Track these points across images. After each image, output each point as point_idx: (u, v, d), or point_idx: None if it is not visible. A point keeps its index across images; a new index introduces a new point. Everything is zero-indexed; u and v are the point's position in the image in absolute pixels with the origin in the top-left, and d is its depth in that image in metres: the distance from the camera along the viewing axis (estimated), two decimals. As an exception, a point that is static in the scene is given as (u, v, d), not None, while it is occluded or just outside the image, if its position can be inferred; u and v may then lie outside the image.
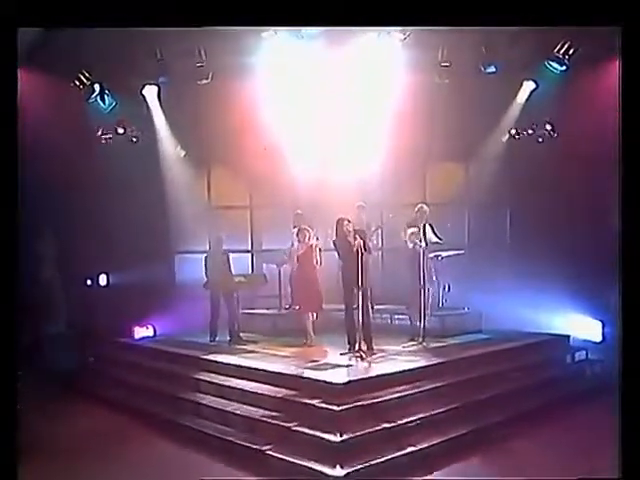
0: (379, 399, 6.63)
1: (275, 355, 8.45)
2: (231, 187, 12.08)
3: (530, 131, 10.80)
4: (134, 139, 10.71)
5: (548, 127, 10.58)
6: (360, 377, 7.04)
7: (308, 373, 7.22)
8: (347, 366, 7.57)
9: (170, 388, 8.12)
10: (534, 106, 10.65)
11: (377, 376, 7.15)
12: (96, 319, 10.71)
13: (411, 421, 6.45)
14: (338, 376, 6.95)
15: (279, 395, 6.91)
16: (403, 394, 6.86)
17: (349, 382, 6.74)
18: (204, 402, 7.46)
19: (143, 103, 10.71)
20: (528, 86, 10.67)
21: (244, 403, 7.11)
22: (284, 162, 11.16)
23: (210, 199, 12.06)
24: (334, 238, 8.28)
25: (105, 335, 10.44)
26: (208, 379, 7.88)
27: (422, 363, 7.71)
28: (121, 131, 10.62)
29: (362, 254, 7.89)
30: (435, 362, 7.78)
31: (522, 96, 10.76)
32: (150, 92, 10.67)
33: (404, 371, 7.36)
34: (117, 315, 10.47)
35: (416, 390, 7.00)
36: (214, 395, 7.56)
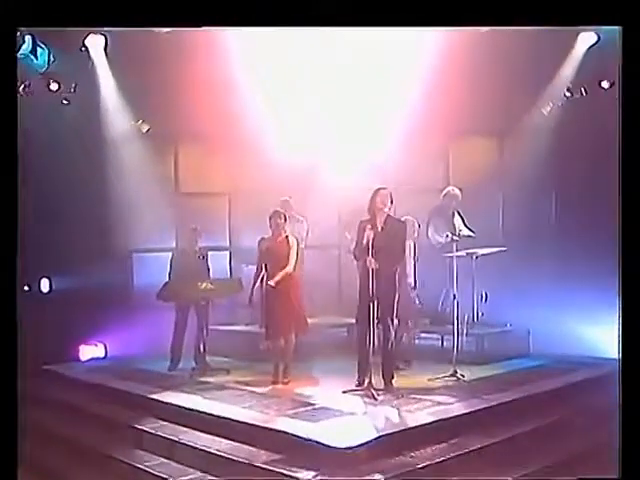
0: (403, 470, 4.42)
1: (251, 392, 6.26)
2: (204, 168, 9.87)
3: (586, 97, 8.61)
4: (69, 103, 8.57)
5: (609, 92, 8.26)
6: (373, 436, 4.77)
7: (296, 425, 5.03)
8: (353, 414, 5.39)
9: (102, 443, 5.81)
10: (593, 64, 8.34)
11: (400, 432, 4.93)
12: (34, 336, 8.59)
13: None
14: (340, 432, 4.82)
15: (254, 462, 4.66)
16: (439, 460, 4.64)
17: (357, 446, 4.53)
18: (146, 467, 5.16)
19: (87, 59, 8.38)
20: (587, 38, 8.32)
21: (203, 471, 4.88)
22: (272, 138, 9.01)
23: (178, 183, 9.89)
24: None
25: (43, 356, 8.25)
26: (155, 431, 5.58)
27: (462, 409, 5.50)
28: (56, 93, 8.45)
29: (374, 252, 5.90)
30: (482, 407, 5.54)
31: (579, 51, 8.45)
32: (95, 43, 8.32)
33: (438, 422, 5.14)
34: (61, 330, 8.54)
35: (458, 453, 4.79)
36: (162, 455, 5.29)
